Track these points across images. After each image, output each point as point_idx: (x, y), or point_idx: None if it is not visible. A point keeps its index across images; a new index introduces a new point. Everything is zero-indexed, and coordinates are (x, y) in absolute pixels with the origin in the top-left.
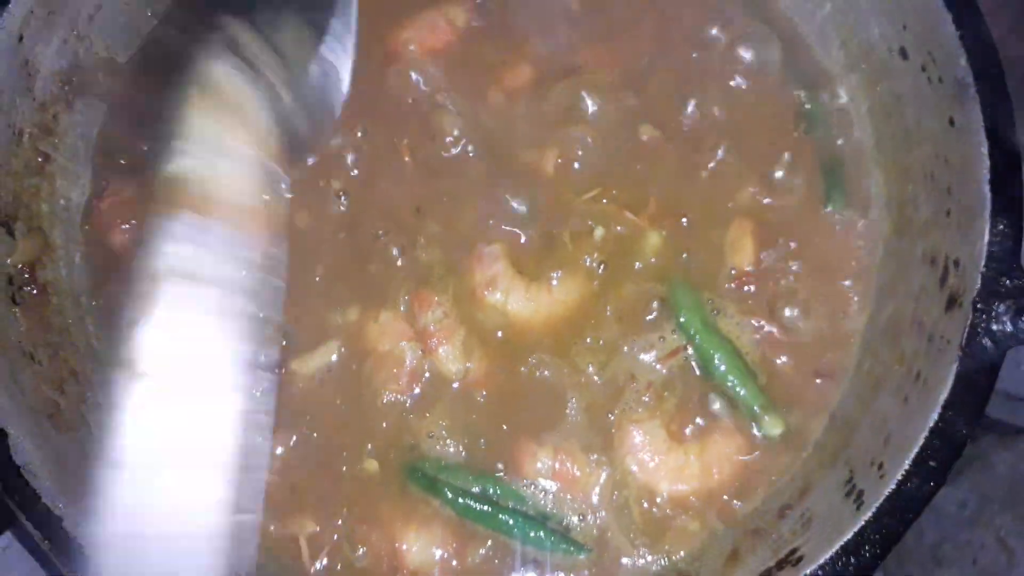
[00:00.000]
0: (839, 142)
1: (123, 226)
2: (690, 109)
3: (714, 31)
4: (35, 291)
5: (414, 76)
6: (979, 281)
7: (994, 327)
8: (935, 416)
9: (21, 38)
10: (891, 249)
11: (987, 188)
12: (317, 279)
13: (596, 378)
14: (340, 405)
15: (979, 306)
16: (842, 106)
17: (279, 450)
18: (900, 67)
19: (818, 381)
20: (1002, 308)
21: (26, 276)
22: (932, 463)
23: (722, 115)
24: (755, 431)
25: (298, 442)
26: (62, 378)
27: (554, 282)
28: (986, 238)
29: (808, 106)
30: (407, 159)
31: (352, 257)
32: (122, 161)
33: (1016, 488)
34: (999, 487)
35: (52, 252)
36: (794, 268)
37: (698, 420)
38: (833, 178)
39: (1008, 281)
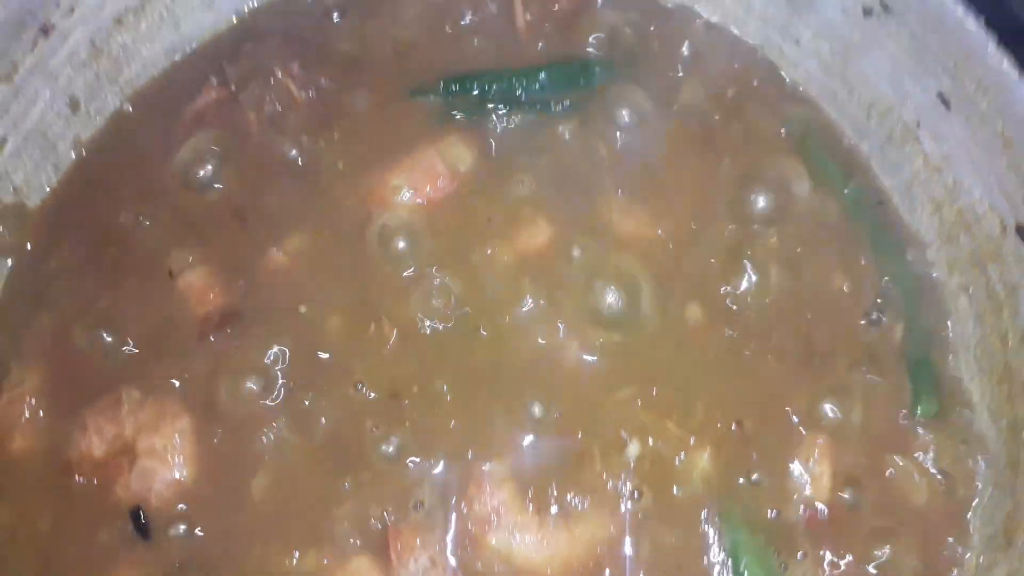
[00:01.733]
0: (929, 333)
1: (29, 423)
2: (744, 285)
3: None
4: None
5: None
6: None
7: None
8: None
9: None
10: (1004, 487)
11: None
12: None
13: None
14: None
15: None
16: (934, 284)
17: None
18: (1017, 250)
19: None
20: None
21: None
22: None
23: (782, 292)
24: None
25: None
26: None
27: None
28: None
29: (888, 279)
30: (391, 340)
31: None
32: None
33: None
34: None
35: None
36: (880, 504)
37: None
38: (922, 376)
39: None
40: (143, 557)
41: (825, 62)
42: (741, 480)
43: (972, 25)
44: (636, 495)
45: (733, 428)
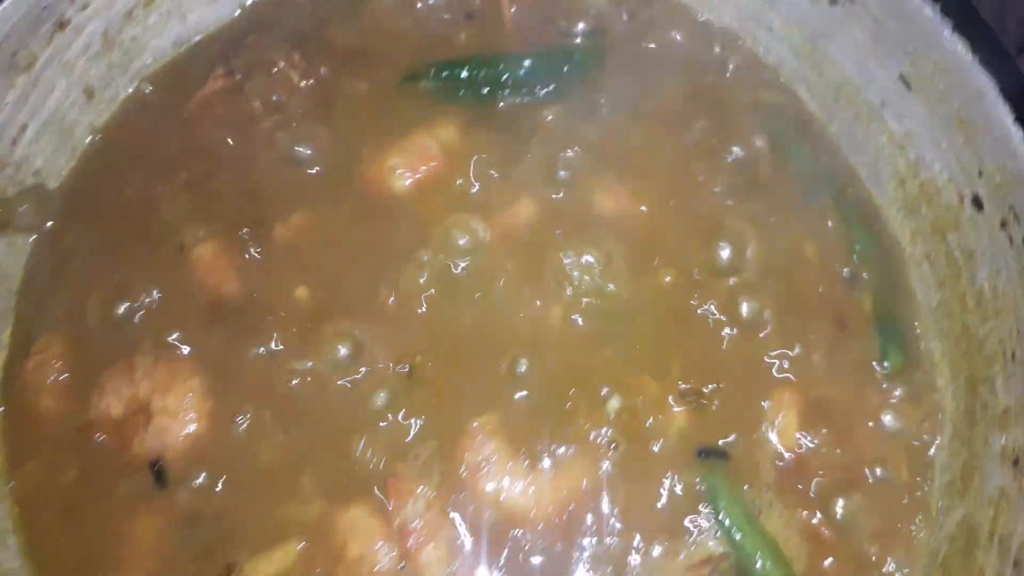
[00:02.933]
0: (895, 296)
1: (53, 385)
2: (721, 255)
3: (734, 160)
4: None
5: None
6: None
7: None
8: None
9: None
10: (961, 436)
11: None
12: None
13: None
14: None
15: None
16: (900, 254)
17: None
18: (972, 218)
19: None
20: None
21: None
22: None
23: (756, 261)
24: None
25: None
26: None
27: (547, 463)
28: None
29: (858, 247)
30: (391, 301)
31: (316, 431)
32: (51, 309)
33: None
34: None
35: None
36: (845, 453)
37: None
38: (889, 332)
39: None
40: (160, 506)
41: (795, 47)
42: (714, 432)
43: (929, 12)
44: (614, 446)
45: (707, 386)
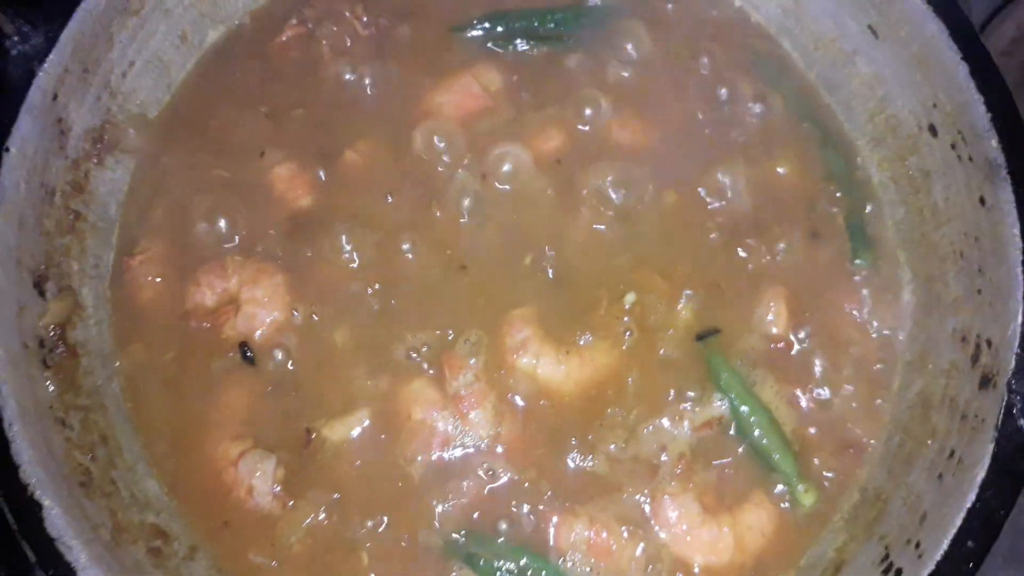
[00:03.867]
0: (867, 209)
1: (154, 280)
2: (719, 179)
3: (730, 101)
4: (65, 352)
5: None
6: (1013, 362)
7: None
8: (972, 497)
9: (56, 96)
10: (920, 323)
11: (1020, 270)
12: (341, 340)
13: (628, 450)
14: (370, 473)
15: (1014, 386)
16: (870, 177)
17: (310, 518)
18: (929, 144)
19: (850, 451)
20: None
21: (56, 337)
22: (971, 543)
23: (747, 181)
24: (787, 504)
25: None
26: (93, 443)
27: (573, 346)
28: (1020, 319)
29: (834, 171)
30: (438, 215)
31: (382, 319)
32: (152, 217)
33: (1017, 543)
34: (1001, 541)
35: (81, 312)
36: (825, 338)
37: (731, 492)
38: (859, 235)
39: None
40: (248, 380)
41: (781, 4)
42: (714, 320)
43: None
44: (630, 333)
45: (707, 281)
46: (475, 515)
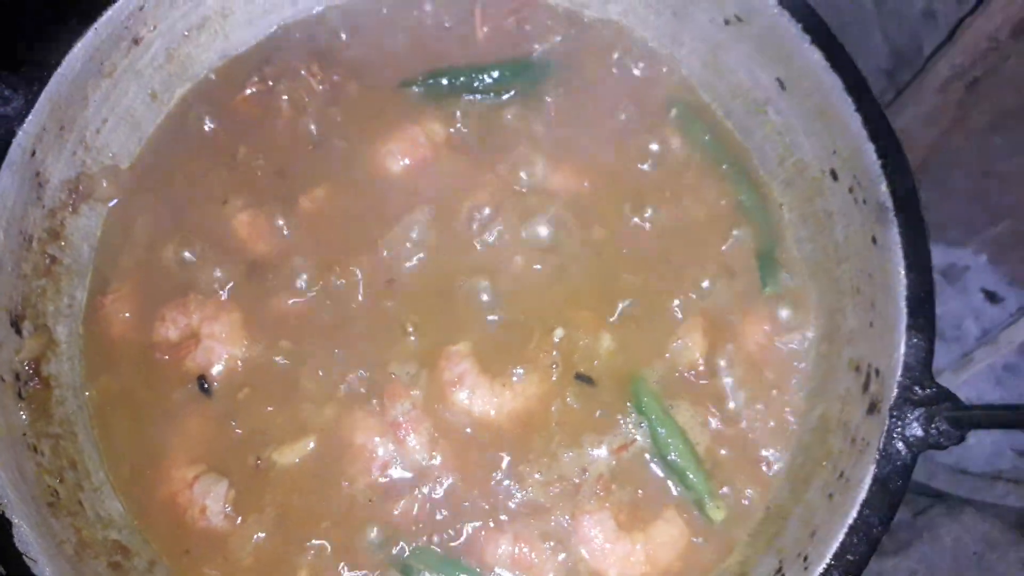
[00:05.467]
0: (779, 244)
1: (123, 317)
2: (643, 215)
3: (654, 146)
4: (39, 385)
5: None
6: (895, 389)
7: (907, 432)
8: (854, 514)
9: (34, 153)
10: (822, 353)
11: (903, 304)
12: (291, 372)
13: (553, 472)
14: (315, 493)
15: (894, 413)
16: (782, 216)
17: (259, 534)
18: (831, 187)
19: (758, 471)
20: (914, 415)
21: (31, 371)
22: (850, 557)
23: (668, 220)
24: (698, 519)
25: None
26: (62, 467)
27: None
28: (902, 349)
29: (748, 209)
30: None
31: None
32: (123, 259)
33: (960, 559)
34: (945, 558)
35: (56, 347)
36: (738, 365)
37: (645, 510)
38: (770, 267)
39: (920, 390)
40: (204, 410)
41: (702, 58)
42: (638, 351)
43: (795, 30)
44: (556, 366)
45: (630, 314)
46: (411, 530)
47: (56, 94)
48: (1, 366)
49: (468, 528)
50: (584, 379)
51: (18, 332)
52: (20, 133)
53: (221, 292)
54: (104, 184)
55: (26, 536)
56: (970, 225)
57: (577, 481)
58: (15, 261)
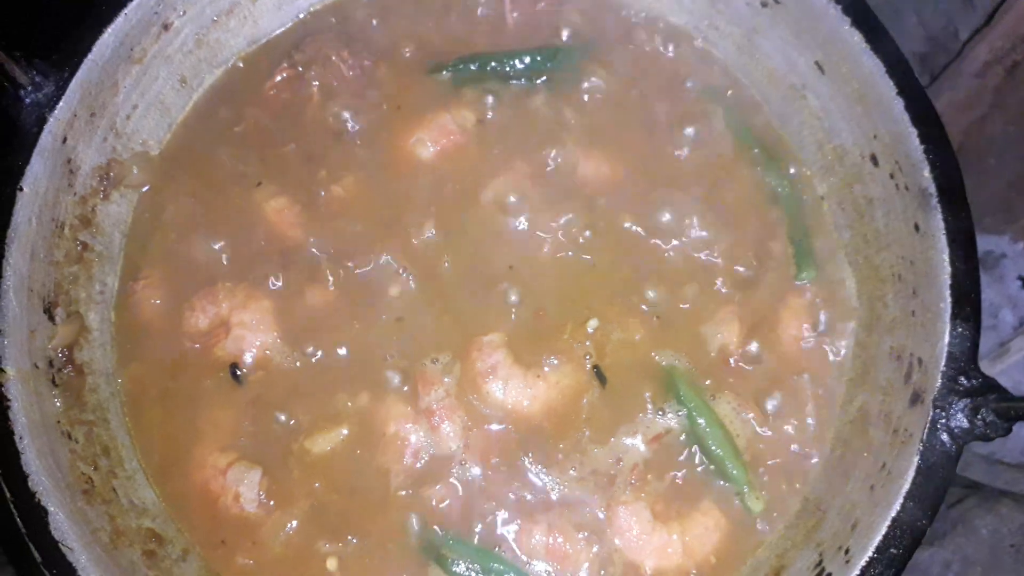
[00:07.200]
0: (818, 232)
1: (154, 304)
2: (667, 215)
3: (688, 131)
4: (72, 372)
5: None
6: (939, 379)
7: (952, 424)
8: (897, 506)
9: (65, 139)
10: (861, 342)
11: (948, 292)
12: (322, 360)
13: (587, 462)
14: (348, 481)
15: (939, 403)
16: (819, 203)
17: (292, 523)
18: (871, 172)
19: (796, 462)
20: (959, 406)
21: (64, 358)
22: (893, 550)
23: (704, 208)
24: (735, 510)
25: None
26: (95, 454)
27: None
28: (946, 339)
29: (784, 198)
30: (414, 242)
31: (361, 339)
32: (154, 246)
33: (997, 551)
34: (981, 550)
35: (88, 334)
36: (775, 355)
37: (682, 500)
38: (806, 256)
39: (965, 381)
40: (235, 397)
41: (737, 42)
42: (675, 342)
43: (833, 11)
44: (592, 356)
45: (664, 303)
46: (444, 519)
47: (87, 80)
48: (35, 353)
49: (501, 517)
50: (600, 376)
51: (51, 319)
52: (51, 120)
53: (251, 279)
54: (135, 170)
55: (62, 524)
56: (1008, 212)
57: (612, 472)
58: (47, 248)
